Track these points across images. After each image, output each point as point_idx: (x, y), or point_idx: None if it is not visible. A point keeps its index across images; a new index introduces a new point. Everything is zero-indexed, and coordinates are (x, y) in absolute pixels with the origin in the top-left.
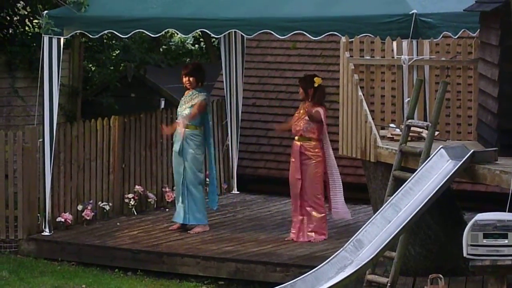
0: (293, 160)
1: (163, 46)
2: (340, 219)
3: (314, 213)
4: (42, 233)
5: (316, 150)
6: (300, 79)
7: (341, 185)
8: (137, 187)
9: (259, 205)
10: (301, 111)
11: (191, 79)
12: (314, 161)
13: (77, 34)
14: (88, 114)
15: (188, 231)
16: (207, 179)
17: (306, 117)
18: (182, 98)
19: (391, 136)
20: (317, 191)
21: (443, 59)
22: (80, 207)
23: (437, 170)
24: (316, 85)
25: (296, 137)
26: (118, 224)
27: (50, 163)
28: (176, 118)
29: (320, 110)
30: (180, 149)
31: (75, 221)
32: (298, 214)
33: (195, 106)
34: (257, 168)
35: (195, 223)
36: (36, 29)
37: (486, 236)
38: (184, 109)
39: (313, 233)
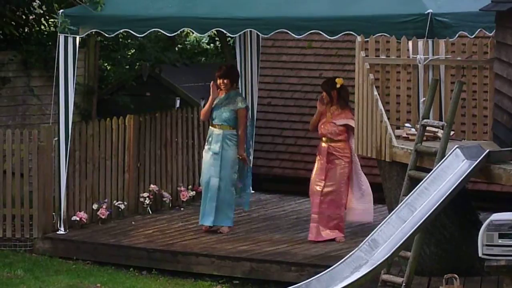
0: (320, 160)
1: (179, 45)
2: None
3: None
4: (57, 232)
5: (346, 151)
6: (322, 84)
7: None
8: (152, 186)
9: (274, 205)
10: (328, 114)
11: (225, 81)
12: (342, 161)
13: (93, 33)
14: (104, 113)
15: (219, 231)
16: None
17: (334, 121)
18: (217, 100)
19: (406, 135)
20: (342, 191)
21: (458, 58)
22: (95, 206)
23: (452, 170)
24: (338, 86)
25: (324, 139)
26: (133, 223)
27: (65, 162)
28: (213, 119)
29: (351, 122)
30: (220, 150)
31: (90, 220)
32: (316, 212)
33: (240, 119)
34: (272, 167)
35: (226, 224)
36: (51, 28)
37: (501, 236)
38: (223, 112)
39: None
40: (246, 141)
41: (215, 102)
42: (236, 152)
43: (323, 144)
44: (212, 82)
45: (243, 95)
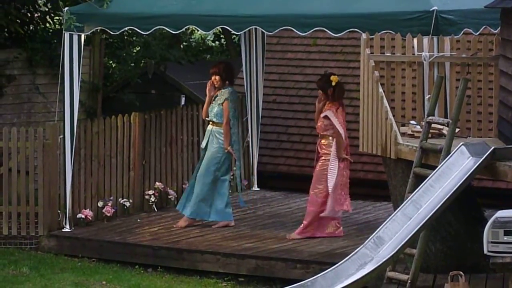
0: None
1: (184, 43)
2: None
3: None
4: (63, 230)
5: (330, 148)
6: (317, 81)
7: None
8: (157, 183)
9: (279, 202)
10: (323, 110)
11: (216, 77)
12: (323, 158)
13: (98, 30)
14: (109, 111)
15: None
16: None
17: (321, 115)
18: (214, 97)
19: (411, 133)
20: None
21: (463, 56)
22: (100, 204)
23: (457, 167)
24: (333, 83)
25: (319, 135)
26: (138, 220)
27: (70, 159)
28: (208, 116)
29: (328, 114)
30: (205, 145)
31: (96, 218)
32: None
33: (224, 111)
34: (277, 164)
35: (189, 216)
36: (57, 25)
37: (507, 233)
38: (213, 108)
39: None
40: (230, 134)
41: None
42: (221, 147)
43: (319, 140)
44: (209, 81)
45: (248, 93)
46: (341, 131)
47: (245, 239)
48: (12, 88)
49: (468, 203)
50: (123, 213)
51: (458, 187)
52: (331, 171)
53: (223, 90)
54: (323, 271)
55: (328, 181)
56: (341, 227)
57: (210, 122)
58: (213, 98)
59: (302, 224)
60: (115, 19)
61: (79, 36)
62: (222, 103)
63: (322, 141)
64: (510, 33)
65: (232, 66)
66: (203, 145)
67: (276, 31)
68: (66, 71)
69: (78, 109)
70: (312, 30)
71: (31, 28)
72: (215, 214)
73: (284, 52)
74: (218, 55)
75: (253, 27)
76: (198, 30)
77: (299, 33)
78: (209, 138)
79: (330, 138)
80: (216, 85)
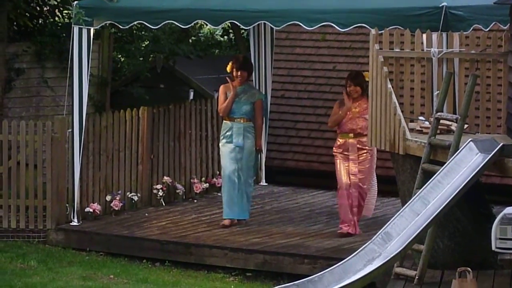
0: (350, 156)
1: (192, 38)
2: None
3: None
4: (71, 223)
5: (368, 146)
6: (353, 78)
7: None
8: (165, 178)
9: (287, 197)
10: (357, 109)
11: (243, 73)
12: (370, 155)
13: (107, 24)
14: (117, 105)
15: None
16: None
17: (366, 116)
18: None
19: (420, 129)
20: (368, 183)
21: (473, 52)
22: (108, 198)
23: (466, 163)
24: (367, 79)
25: (351, 135)
26: (146, 215)
27: (79, 153)
28: (232, 113)
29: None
30: (243, 142)
31: (104, 212)
32: (351, 206)
33: (258, 110)
34: (285, 160)
35: (244, 217)
36: (66, 19)
37: None
38: (242, 105)
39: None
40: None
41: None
42: (254, 144)
43: (351, 140)
44: (227, 77)
45: (257, 88)
46: None
47: (253, 234)
48: (21, 81)
49: (476, 200)
50: (131, 207)
51: (466, 183)
52: (373, 166)
53: (247, 88)
54: (331, 266)
55: (373, 178)
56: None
57: (238, 119)
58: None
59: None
60: (125, 13)
61: (88, 30)
62: (254, 102)
63: (361, 139)
64: None
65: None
66: (238, 143)
67: (284, 25)
68: (75, 65)
69: (86, 103)
70: (320, 24)
71: (40, 22)
72: (248, 212)
73: (292, 47)
74: (227, 50)
75: (261, 21)
76: (207, 25)
77: (306, 27)
78: (243, 135)
79: (365, 138)
80: (240, 80)
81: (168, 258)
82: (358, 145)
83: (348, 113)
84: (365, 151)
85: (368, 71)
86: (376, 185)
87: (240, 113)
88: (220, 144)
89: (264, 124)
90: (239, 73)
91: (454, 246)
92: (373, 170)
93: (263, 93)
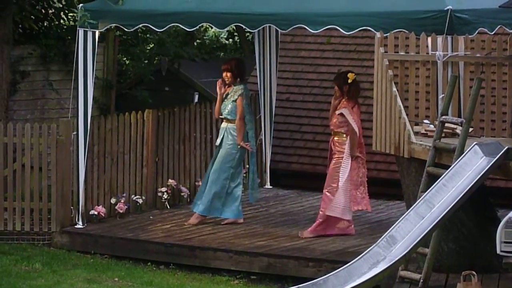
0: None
1: (197, 40)
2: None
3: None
4: (75, 226)
5: (343, 146)
6: (334, 77)
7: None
8: (170, 181)
9: (292, 200)
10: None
11: (228, 74)
12: (337, 156)
13: (112, 27)
14: (122, 108)
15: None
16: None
17: (337, 111)
18: (225, 95)
19: (425, 132)
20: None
21: (478, 55)
22: (113, 200)
23: (471, 166)
24: (349, 81)
25: (332, 132)
26: (151, 217)
27: (84, 156)
28: (221, 114)
29: (344, 111)
30: (220, 142)
31: (108, 214)
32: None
33: (237, 109)
34: (290, 163)
35: (202, 214)
36: (71, 22)
37: None
38: (227, 105)
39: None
40: (244, 130)
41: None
42: (235, 144)
43: (332, 137)
44: (219, 80)
45: (262, 91)
46: (356, 129)
47: (258, 237)
48: (26, 84)
49: (481, 203)
50: (135, 210)
51: (471, 187)
52: (343, 169)
53: (235, 87)
54: (336, 269)
55: (340, 178)
56: (353, 225)
57: (224, 120)
58: (224, 96)
59: (315, 222)
60: (130, 16)
61: (93, 33)
62: (236, 100)
63: (336, 138)
64: None
65: (244, 63)
66: (217, 142)
67: (290, 29)
68: (80, 67)
69: (91, 106)
70: (325, 28)
71: (45, 24)
72: (229, 212)
73: (298, 50)
74: (232, 52)
75: (267, 25)
76: (212, 28)
77: (311, 31)
78: (223, 135)
79: (344, 135)
80: (227, 82)
81: (173, 261)
82: (331, 145)
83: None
84: (336, 154)
85: (354, 72)
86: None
87: (224, 113)
88: None
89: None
90: (224, 74)
91: (459, 249)
92: (344, 178)
93: (264, 96)
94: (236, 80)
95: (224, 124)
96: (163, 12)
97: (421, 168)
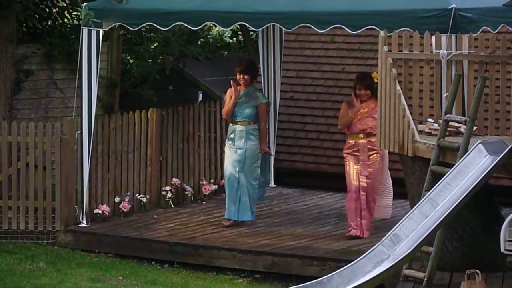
0: (360, 156)
1: (201, 39)
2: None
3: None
4: (80, 225)
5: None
6: (362, 79)
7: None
8: (174, 179)
9: (296, 199)
10: (366, 109)
11: (246, 76)
12: (379, 156)
13: (116, 26)
14: (126, 107)
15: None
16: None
17: (374, 115)
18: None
19: (429, 130)
20: (379, 185)
21: (481, 54)
22: (117, 199)
23: (475, 165)
24: (376, 80)
25: (362, 135)
26: (155, 216)
27: (88, 155)
28: (235, 116)
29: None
30: (244, 145)
31: (112, 213)
32: (360, 209)
33: (261, 114)
34: (294, 161)
35: (247, 219)
36: (75, 21)
37: None
38: (245, 109)
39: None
40: (267, 135)
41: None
42: (258, 146)
43: (361, 141)
44: (232, 80)
45: (266, 90)
46: None
47: (262, 235)
48: (30, 83)
49: (485, 202)
50: (139, 208)
51: (475, 186)
52: (387, 171)
53: (249, 91)
54: (340, 268)
55: (387, 179)
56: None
57: (239, 123)
58: (239, 98)
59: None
60: (134, 14)
61: (97, 32)
62: (258, 105)
63: (373, 139)
64: None
65: (256, 63)
66: (240, 145)
67: (295, 28)
68: (84, 66)
69: (95, 105)
70: (330, 27)
71: (49, 23)
72: (252, 214)
73: (301, 49)
74: (236, 51)
75: (272, 23)
76: (216, 26)
77: (317, 30)
78: (245, 137)
79: (374, 138)
80: (243, 84)
81: (177, 259)
82: (368, 146)
83: (357, 113)
84: (375, 151)
85: (376, 71)
86: (391, 186)
87: (242, 116)
88: (225, 146)
89: (268, 128)
90: (241, 76)
91: (463, 248)
92: (386, 172)
93: (268, 95)
94: (252, 82)
95: (240, 127)
96: (167, 11)
97: (425, 167)
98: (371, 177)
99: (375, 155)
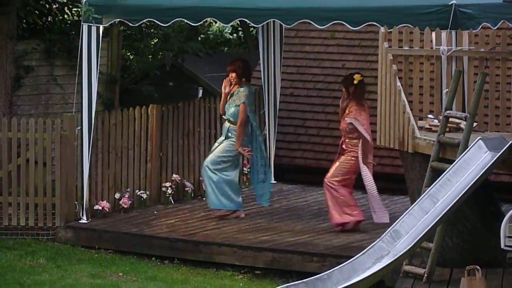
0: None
1: (201, 35)
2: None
3: None
4: (80, 221)
5: (356, 147)
6: (342, 79)
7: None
8: (174, 175)
9: (296, 195)
10: (347, 111)
11: (233, 75)
12: (352, 155)
13: (116, 22)
14: (126, 103)
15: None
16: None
17: (346, 118)
18: (230, 95)
19: (429, 127)
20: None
21: (482, 50)
22: (117, 195)
23: (475, 161)
24: (355, 82)
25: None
26: (155, 212)
27: (88, 151)
28: (225, 113)
29: (353, 122)
30: (222, 140)
31: (113, 209)
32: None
33: (239, 113)
34: (294, 157)
35: (215, 208)
36: (75, 17)
37: None
38: (230, 107)
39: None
40: (243, 136)
41: (228, 97)
42: (233, 144)
43: (342, 139)
44: (224, 78)
45: (266, 86)
46: (368, 136)
47: (262, 232)
48: (30, 79)
49: (485, 198)
50: (140, 205)
51: (475, 182)
52: (366, 178)
53: (240, 90)
54: (340, 264)
55: (369, 189)
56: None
57: (227, 120)
58: (229, 96)
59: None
60: (134, 10)
61: (97, 28)
62: (239, 105)
63: (347, 140)
64: None
65: (249, 64)
66: (221, 140)
67: (295, 24)
68: (84, 62)
69: (95, 101)
70: (330, 23)
71: (49, 19)
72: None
73: (302, 45)
74: (236, 47)
75: (272, 19)
76: (216, 22)
77: (317, 26)
78: (227, 134)
79: (355, 140)
80: (232, 82)
81: (177, 255)
82: (343, 146)
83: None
84: (349, 153)
85: (359, 73)
86: (376, 193)
87: (228, 114)
88: None
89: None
90: (230, 74)
91: (463, 244)
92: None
93: (268, 91)
94: (241, 80)
95: (226, 124)
96: (167, 7)
97: (425, 163)
98: (332, 172)
99: (347, 153)
